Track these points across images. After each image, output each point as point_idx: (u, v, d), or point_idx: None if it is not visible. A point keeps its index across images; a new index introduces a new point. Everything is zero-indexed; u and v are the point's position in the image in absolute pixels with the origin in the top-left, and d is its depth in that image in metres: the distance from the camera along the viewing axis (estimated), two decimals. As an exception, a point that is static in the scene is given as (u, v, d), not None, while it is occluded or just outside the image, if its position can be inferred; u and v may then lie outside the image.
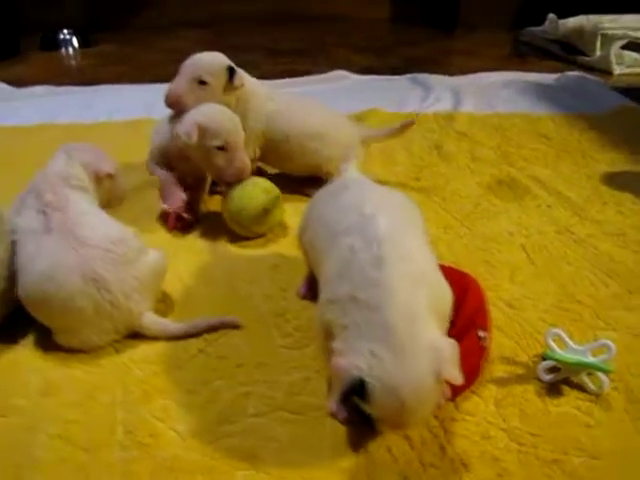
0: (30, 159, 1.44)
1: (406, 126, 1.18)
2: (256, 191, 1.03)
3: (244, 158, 1.02)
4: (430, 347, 0.57)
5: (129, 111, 1.80)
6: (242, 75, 1.14)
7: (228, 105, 1.12)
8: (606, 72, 2.08)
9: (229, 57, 1.14)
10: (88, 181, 0.89)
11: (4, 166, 1.44)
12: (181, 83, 1.09)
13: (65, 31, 2.82)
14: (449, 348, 0.57)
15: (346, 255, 0.64)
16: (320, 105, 1.24)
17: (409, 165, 1.32)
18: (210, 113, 1.01)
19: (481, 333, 0.74)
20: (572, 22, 2.19)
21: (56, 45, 2.80)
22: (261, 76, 2.07)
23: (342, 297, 0.61)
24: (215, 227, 1.09)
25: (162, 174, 1.10)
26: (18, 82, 2.20)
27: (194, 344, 0.80)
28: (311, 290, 0.87)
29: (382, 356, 0.56)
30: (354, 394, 0.57)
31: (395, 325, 0.57)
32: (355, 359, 0.56)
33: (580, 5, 2.54)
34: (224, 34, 3.07)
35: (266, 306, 0.87)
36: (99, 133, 1.64)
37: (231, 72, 1.12)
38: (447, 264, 0.82)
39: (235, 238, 1.06)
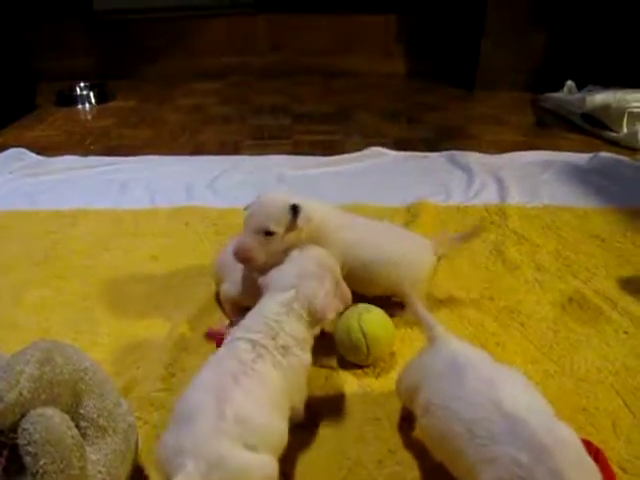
0: (85, 256, 1.44)
1: (474, 233, 1.24)
2: (380, 316, 1.07)
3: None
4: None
5: (169, 192, 1.80)
6: (309, 210, 1.06)
7: (298, 240, 1.05)
8: (632, 148, 2.13)
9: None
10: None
11: (60, 260, 1.43)
12: (248, 238, 1.03)
13: (82, 84, 2.77)
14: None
15: (514, 470, 0.64)
16: (396, 228, 1.26)
17: (477, 278, 1.32)
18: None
19: None
20: (599, 99, 2.23)
21: (73, 101, 2.74)
22: (294, 148, 2.10)
23: None
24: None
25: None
26: (41, 147, 2.16)
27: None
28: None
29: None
30: None
31: None
32: None
33: (597, 67, 2.62)
34: (239, 88, 3.06)
35: (382, 476, 0.85)
36: (142, 221, 1.62)
37: (294, 211, 1.04)
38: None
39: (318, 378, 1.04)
